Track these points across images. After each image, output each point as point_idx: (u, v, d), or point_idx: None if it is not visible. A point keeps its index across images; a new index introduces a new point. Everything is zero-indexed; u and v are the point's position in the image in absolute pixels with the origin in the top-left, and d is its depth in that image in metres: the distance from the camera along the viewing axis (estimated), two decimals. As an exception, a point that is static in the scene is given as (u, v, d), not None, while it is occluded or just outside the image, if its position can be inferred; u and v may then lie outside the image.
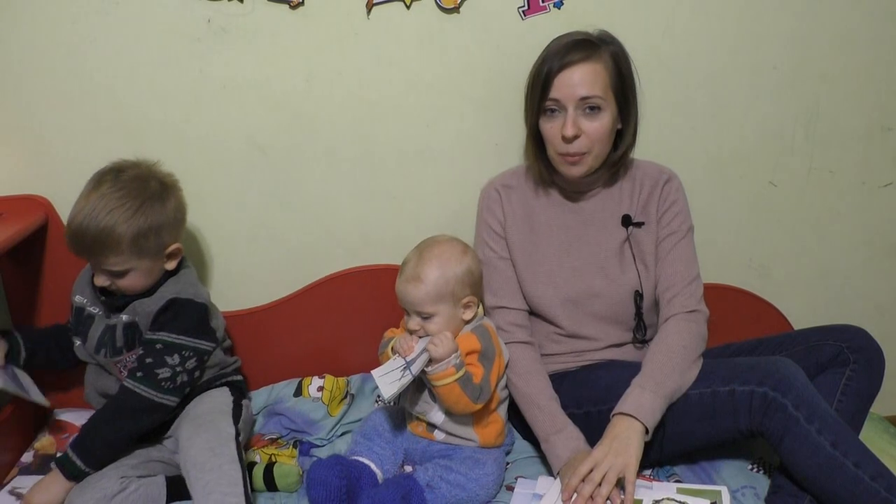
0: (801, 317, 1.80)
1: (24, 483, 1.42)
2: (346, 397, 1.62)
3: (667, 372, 1.34)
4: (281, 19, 1.51)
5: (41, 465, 1.48)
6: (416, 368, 1.30)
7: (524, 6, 1.56)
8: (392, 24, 1.54)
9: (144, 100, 1.53)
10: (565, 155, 1.41)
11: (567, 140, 1.39)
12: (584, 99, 1.37)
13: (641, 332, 1.49)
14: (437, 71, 1.59)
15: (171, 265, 1.38)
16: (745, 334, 1.56)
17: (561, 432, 1.35)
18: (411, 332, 1.39)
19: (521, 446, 1.51)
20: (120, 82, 1.52)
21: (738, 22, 1.65)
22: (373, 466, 1.37)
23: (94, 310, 1.40)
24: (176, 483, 1.35)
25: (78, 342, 1.43)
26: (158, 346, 1.33)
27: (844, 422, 1.27)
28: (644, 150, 1.59)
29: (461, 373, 1.32)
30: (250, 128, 1.58)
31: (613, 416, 1.32)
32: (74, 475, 1.27)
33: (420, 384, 1.41)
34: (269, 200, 1.63)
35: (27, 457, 1.51)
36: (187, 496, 1.34)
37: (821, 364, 1.38)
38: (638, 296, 1.47)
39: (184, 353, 1.34)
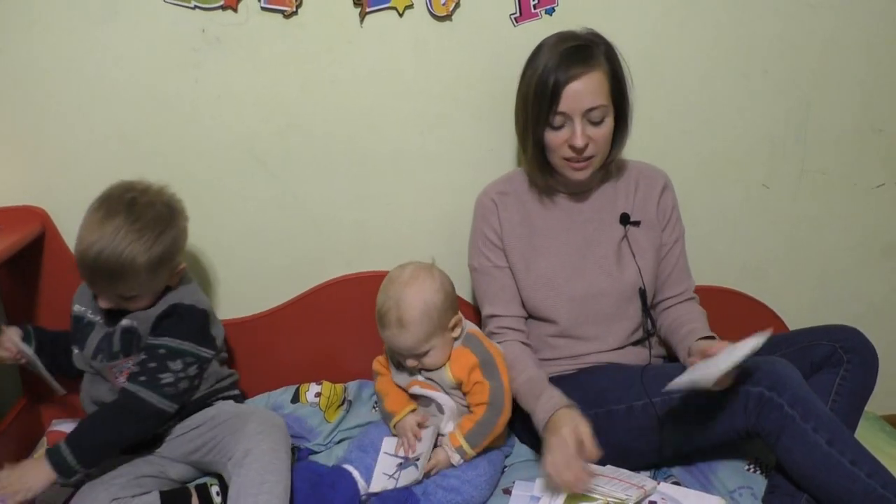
0: (796, 317, 1.81)
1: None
2: (343, 403, 1.62)
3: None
4: (275, 28, 1.52)
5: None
6: (422, 463, 1.34)
7: (516, 13, 1.58)
8: (385, 32, 1.55)
9: (141, 109, 1.54)
10: (571, 161, 1.42)
11: (577, 150, 1.40)
12: (589, 110, 1.38)
13: (651, 325, 1.51)
14: (431, 78, 1.60)
15: (174, 282, 1.40)
16: (741, 336, 1.54)
17: (539, 398, 1.35)
18: (409, 370, 1.41)
19: (520, 450, 1.51)
20: (117, 92, 1.53)
21: (729, 26, 1.67)
22: (356, 474, 1.36)
23: (94, 318, 1.41)
24: (171, 497, 1.34)
25: (76, 350, 1.43)
26: (161, 350, 1.33)
27: (840, 420, 1.27)
28: (637, 153, 1.60)
29: (469, 449, 1.36)
30: (246, 136, 1.59)
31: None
32: (63, 470, 1.23)
33: (425, 400, 1.42)
34: (265, 208, 1.64)
35: (25, 467, 1.50)
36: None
37: (815, 364, 1.39)
38: (642, 292, 1.48)
39: (186, 358, 1.34)
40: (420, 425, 1.40)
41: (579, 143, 1.38)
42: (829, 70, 1.74)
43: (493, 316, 1.52)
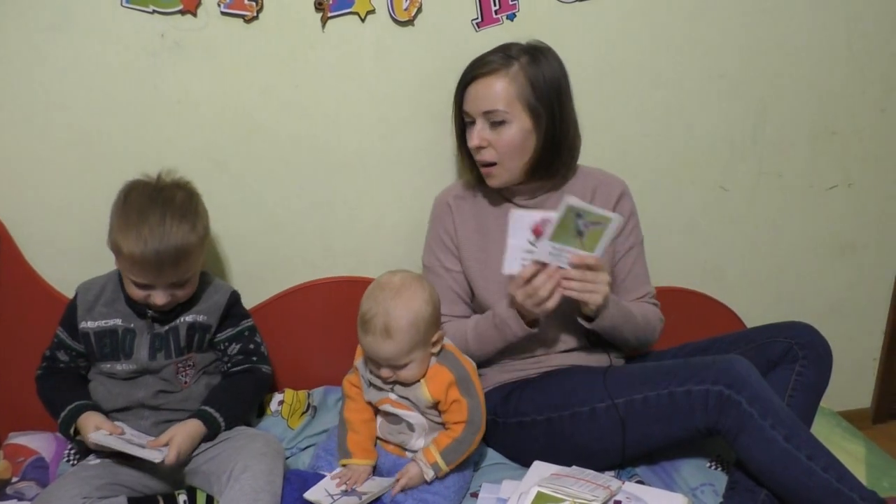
0: (754, 316, 1.85)
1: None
2: (307, 410, 1.61)
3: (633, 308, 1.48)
4: (235, 33, 1.51)
5: (-3, 491, 1.45)
6: (366, 500, 1.30)
7: (478, 18, 1.59)
8: (347, 37, 1.55)
9: (99, 116, 1.52)
10: (480, 165, 1.47)
11: (474, 151, 1.45)
12: (486, 112, 1.42)
13: (593, 334, 1.49)
14: (393, 83, 1.60)
15: (203, 259, 1.46)
16: (701, 335, 1.59)
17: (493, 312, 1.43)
18: (384, 380, 1.35)
19: (487, 453, 1.51)
20: (73, 98, 1.50)
21: (687, 31, 1.70)
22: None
23: (129, 324, 1.42)
24: (138, 502, 1.32)
25: (116, 365, 1.41)
26: (247, 332, 1.51)
27: (796, 416, 1.30)
28: (598, 156, 1.62)
29: (445, 466, 1.33)
30: (207, 142, 1.58)
31: None
32: (214, 431, 1.39)
33: (395, 418, 1.39)
34: (227, 213, 1.62)
35: (-19, 482, 1.47)
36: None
37: (772, 361, 1.42)
38: None
39: (258, 331, 1.54)
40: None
41: (472, 142, 1.45)
42: (784, 74, 1.78)
43: None
